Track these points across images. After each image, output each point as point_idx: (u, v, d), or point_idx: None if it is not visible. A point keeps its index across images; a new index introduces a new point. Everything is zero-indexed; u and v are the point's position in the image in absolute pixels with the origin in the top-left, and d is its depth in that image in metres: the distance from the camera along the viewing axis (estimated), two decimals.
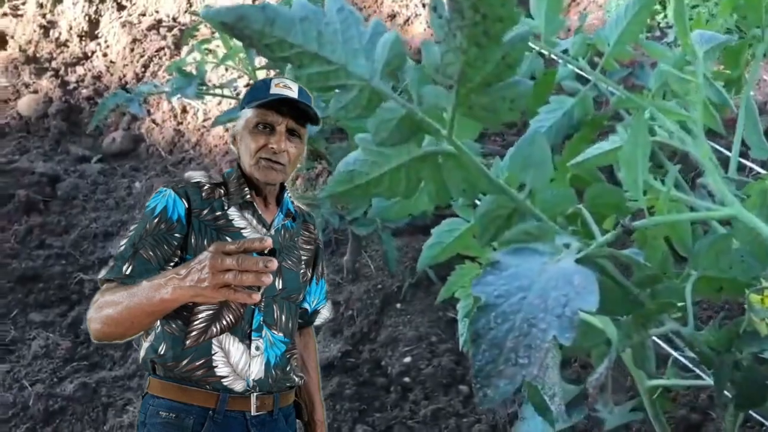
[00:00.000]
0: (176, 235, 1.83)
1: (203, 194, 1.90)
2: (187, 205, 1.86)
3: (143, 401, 1.88)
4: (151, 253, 1.79)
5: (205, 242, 1.84)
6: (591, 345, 1.51)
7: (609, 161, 1.76)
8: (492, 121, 1.49)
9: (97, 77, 6.79)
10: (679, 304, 1.62)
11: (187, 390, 1.82)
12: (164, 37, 6.95)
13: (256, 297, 1.46)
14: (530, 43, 2.63)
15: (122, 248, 1.81)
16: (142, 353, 1.90)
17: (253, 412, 1.87)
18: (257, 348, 1.88)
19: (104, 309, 1.66)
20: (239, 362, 1.86)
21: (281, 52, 1.39)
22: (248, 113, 1.93)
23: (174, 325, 1.83)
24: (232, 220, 1.91)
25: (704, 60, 1.67)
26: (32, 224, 5.28)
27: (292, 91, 1.94)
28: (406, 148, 1.51)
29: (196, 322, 1.84)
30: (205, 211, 1.88)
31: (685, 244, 1.85)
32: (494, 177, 1.60)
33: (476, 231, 1.72)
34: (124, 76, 6.79)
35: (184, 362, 1.82)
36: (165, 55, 6.84)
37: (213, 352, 1.83)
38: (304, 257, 2.07)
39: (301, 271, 2.04)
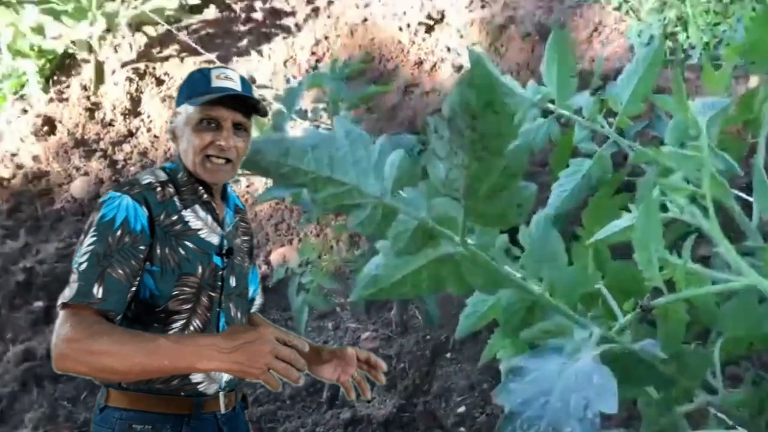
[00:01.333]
0: (141, 247, 1.74)
1: (158, 197, 1.82)
2: (148, 213, 1.77)
3: (102, 415, 1.80)
4: (120, 271, 1.69)
5: (167, 250, 1.77)
6: None
7: (625, 238, 1.79)
8: (502, 224, 1.53)
9: (143, 153, 6.96)
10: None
11: (161, 399, 1.79)
12: None
13: (295, 376, 1.51)
14: (546, 107, 2.67)
15: (84, 266, 1.67)
16: None
17: (223, 411, 1.89)
18: None
19: (100, 357, 1.54)
20: None
21: (296, 180, 1.45)
22: (189, 108, 1.84)
23: None
24: (188, 221, 1.87)
25: (708, 127, 1.70)
26: None
27: (235, 83, 1.85)
28: (424, 251, 1.56)
29: (170, 332, 1.81)
30: (162, 216, 1.81)
31: (709, 311, 1.86)
32: (511, 274, 1.65)
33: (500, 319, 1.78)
34: (168, 149, 6.95)
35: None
36: None
37: None
38: (245, 248, 2.05)
39: (245, 264, 2.02)
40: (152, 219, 1.76)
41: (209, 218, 1.89)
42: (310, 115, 3.86)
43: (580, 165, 2.42)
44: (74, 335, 1.55)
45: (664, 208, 1.69)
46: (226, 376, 1.90)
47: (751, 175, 1.97)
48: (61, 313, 1.64)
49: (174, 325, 1.81)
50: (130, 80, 7.36)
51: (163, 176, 1.86)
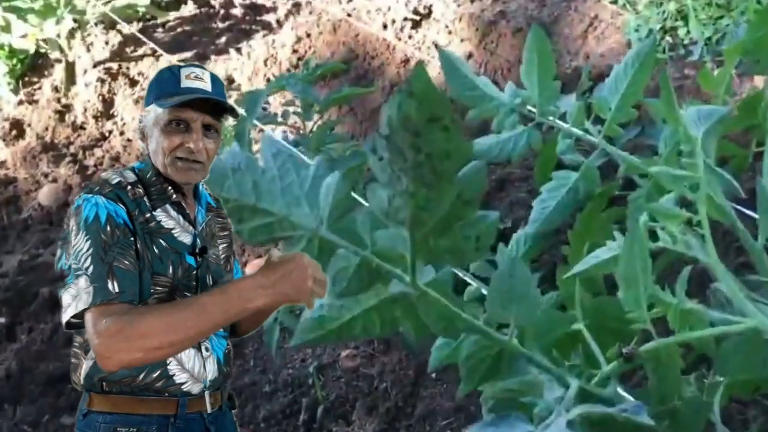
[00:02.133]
0: (131, 239, 1.75)
1: (129, 195, 1.82)
2: (126, 209, 1.77)
3: (86, 420, 1.82)
4: (126, 262, 1.70)
5: (144, 246, 1.78)
6: None
7: (609, 270, 1.59)
8: (457, 261, 1.33)
9: (115, 158, 6.79)
10: None
11: (145, 401, 1.80)
12: None
13: (203, 351, 1.64)
14: (526, 113, 2.47)
15: (91, 269, 1.68)
16: (83, 372, 1.82)
17: (209, 410, 1.89)
18: (207, 349, 1.89)
19: (150, 338, 1.56)
20: (194, 366, 1.86)
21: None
22: (158, 109, 1.83)
23: None
24: (161, 221, 1.85)
25: (705, 140, 1.49)
26: (57, 323, 5.21)
27: (205, 83, 1.85)
28: (372, 290, 1.37)
29: None
30: (136, 213, 1.80)
31: (708, 349, 1.66)
32: (472, 318, 1.44)
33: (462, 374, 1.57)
34: (142, 154, 6.76)
35: (141, 376, 1.80)
36: None
37: (167, 362, 1.82)
38: (222, 245, 2.03)
39: (221, 261, 2.00)
40: (130, 215, 1.78)
41: (180, 218, 1.89)
42: (279, 119, 3.67)
43: (565, 178, 2.22)
44: (117, 327, 1.56)
45: (654, 235, 1.48)
46: (210, 375, 1.90)
47: (756, 182, 1.78)
48: (89, 318, 1.65)
49: None
50: (102, 81, 7.19)
51: (131, 177, 1.86)
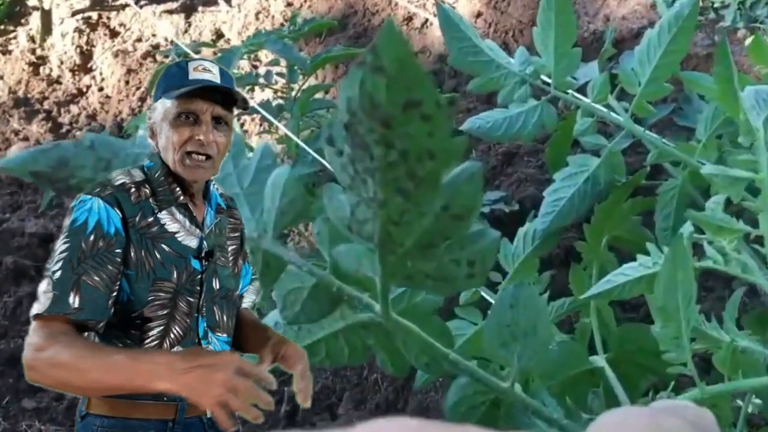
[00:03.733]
0: (117, 250, 1.75)
1: (132, 198, 1.80)
2: (121, 215, 1.76)
3: (83, 423, 1.82)
4: (96, 278, 1.70)
5: (142, 253, 1.79)
6: None
7: (637, 293, 1.31)
8: (444, 290, 1.06)
9: (92, 116, 6.51)
10: None
11: (143, 405, 1.80)
12: (161, 64, 6.63)
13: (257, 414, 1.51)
14: (539, 85, 2.17)
15: (58, 274, 1.68)
16: None
17: (209, 414, 1.85)
18: None
19: (59, 371, 1.60)
20: None
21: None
22: (167, 102, 1.83)
23: (124, 344, 1.79)
24: (165, 224, 1.84)
25: (766, 128, 1.21)
26: (22, 295, 4.96)
27: (214, 74, 1.85)
28: (339, 311, 1.12)
29: (148, 340, 1.81)
30: (138, 218, 1.80)
31: (763, 395, 1.40)
32: (463, 360, 1.17)
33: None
34: (120, 112, 6.50)
35: None
36: None
37: None
38: (232, 247, 1.96)
39: (230, 264, 1.96)
40: (126, 221, 1.76)
41: (186, 221, 1.87)
42: (261, 80, 3.39)
43: (584, 164, 1.93)
44: (41, 346, 1.60)
45: (695, 249, 1.22)
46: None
47: None
48: (34, 324, 1.67)
49: (151, 333, 1.82)
50: (80, 32, 6.89)
51: (139, 176, 1.80)
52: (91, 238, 1.71)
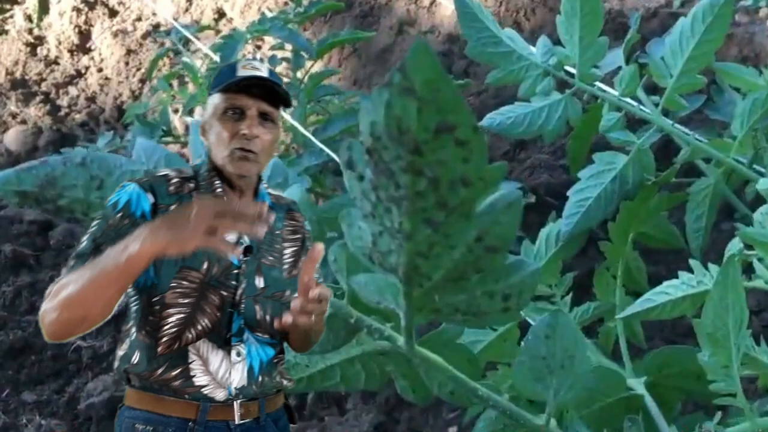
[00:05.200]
0: None
1: (171, 188, 1.87)
2: (153, 200, 1.82)
3: (119, 414, 1.87)
4: None
5: None
6: None
7: (679, 314, 1.23)
8: (475, 324, 0.98)
9: (91, 99, 6.42)
10: None
11: (165, 400, 1.82)
12: (162, 45, 6.53)
13: (238, 250, 1.55)
14: (563, 77, 2.07)
15: (82, 245, 1.77)
16: (116, 363, 1.90)
17: (237, 421, 1.84)
18: (238, 354, 1.86)
19: (61, 292, 1.65)
20: (219, 370, 1.83)
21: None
22: (216, 99, 1.86)
23: (145, 331, 1.80)
24: None
25: None
26: (21, 285, 4.90)
27: (261, 72, 1.86)
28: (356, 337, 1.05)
29: (166, 327, 1.81)
30: (173, 207, 1.83)
31: None
32: (494, 395, 1.09)
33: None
34: (120, 95, 6.41)
35: (159, 371, 1.81)
36: (165, 65, 6.43)
37: (190, 360, 1.82)
38: (290, 249, 1.97)
39: (285, 266, 1.94)
40: (156, 206, 1.81)
41: None
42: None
43: (611, 162, 1.84)
44: (47, 293, 1.66)
45: (748, 269, 1.14)
46: (236, 383, 1.85)
47: None
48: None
49: (170, 319, 1.81)
50: (79, 11, 6.78)
51: (188, 172, 1.90)
52: (118, 215, 1.78)
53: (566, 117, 1.91)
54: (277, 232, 1.97)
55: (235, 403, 1.85)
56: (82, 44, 6.83)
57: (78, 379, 4.40)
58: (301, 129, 3.00)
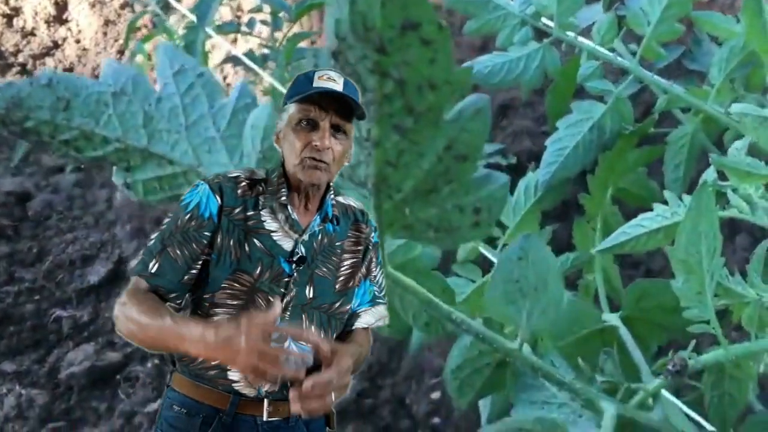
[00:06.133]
0: (206, 233, 1.85)
1: (239, 191, 1.89)
2: (220, 202, 1.86)
3: (165, 393, 1.95)
4: (178, 251, 1.84)
5: (231, 242, 1.87)
6: None
7: (654, 246, 1.23)
8: (448, 242, 0.97)
9: (69, 70, 6.32)
10: None
11: (200, 387, 1.87)
12: (139, 13, 6.47)
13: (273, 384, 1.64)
14: (541, 26, 2.06)
15: (152, 242, 1.87)
16: None
17: (265, 418, 1.85)
18: None
19: (130, 324, 1.77)
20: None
21: (91, 151, 0.89)
22: (291, 109, 1.84)
23: None
24: (264, 221, 1.89)
25: None
26: None
27: (337, 84, 1.78)
28: None
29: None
30: (237, 210, 1.88)
31: None
32: (467, 318, 1.08)
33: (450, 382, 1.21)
34: (98, 66, 6.33)
35: (198, 361, 1.86)
36: (142, 35, 6.37)
37: None
38: (347, 261, 1.96)
39: (341, 278, 1.94)
40: (222, 209, 1.85)
41: (285, 222, 1.89)
42: (243, 28, 3.27)
43: (589, 111, 1.84)
44: (124, 300, 1.79)
45: (722, 198, 1.14)
46: (267, 386, 1.87)
47: None
48: (130, 282, 1.85)
49: (215, 318, 1.86)
50: None
51: (260, 175, 1.89)
52: (187, 217, 1.85)
53: (544, 67, 1.91)
54: (338, 243, 1.97)
55: (265, 400, 1.86)
56: (59, 15, 6.73)
57: (58, 348, 4.38)
58: (280, 89, 2.99)
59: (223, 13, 5.09)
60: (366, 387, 3.91)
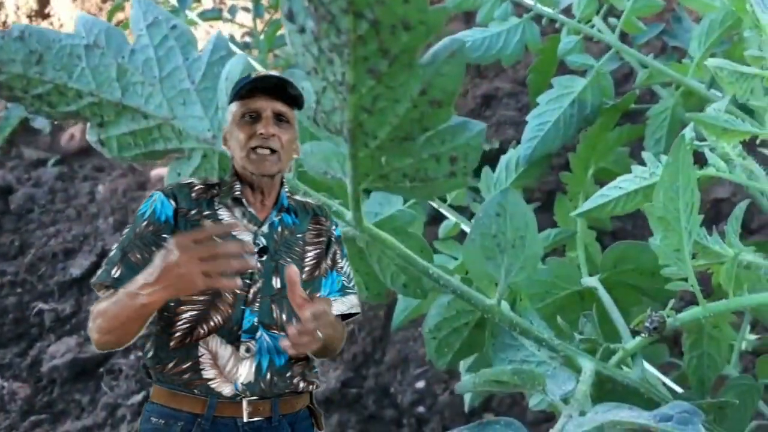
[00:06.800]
0: (163, 235, 1.88)
1: (193, 194, 1.93)
2: (174, 205, 1.91)
3: (144, 407, 1.96)
4: (138, 256, 1.87)
5: None
6: None
7: (633, 208, 1.23)
8: (423, 192, 0.97)
9: None
10: None
11: (176, 395, 1.89)
12: (122, 8, 6.45)
13: (238, 282, 1.67)
14: (523, 4, 2.06)
15: (113, 253, 1.92)
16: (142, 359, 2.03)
17: (246, 419, 1.89)
18: (247, 350, 1.90)
19: (97, 319, 1.81)
20: (226, 365, 1.90)
21: (64, 106, 0.88)
22: (233, 108, 1.85)
23: (159, 327, 1.89)
24: (222, 219, 1.92)
25: None
26: None
27: (274, 74, 1.84)
28: None
29: (179, 323, 1.88)
30: (193, 211, 1.92)
31: (763, 314, 1.34)
32: (444, 273, 1.08)
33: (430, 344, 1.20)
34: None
35: (170, 365, 1.90)
36: (124, 21, 6.34)
37: (200, 354, 1.90)
38: (311, 252, 1.97)
39: (306, 268, 1.96)
40: (177, 211, 1.91)
41: (242, 217, 1.94)
42: (225, 14, 3.25)
43: (569, 86, 1.84)
44: (92, 308, 1.86)
45: (699, 159, 1.14)
46: (243, 378, 1.91)
47: None
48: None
49: (183, 315, 1.90)
50: None
51: (215, 180, 1.98)
52: (144, 223, 1.88)
53: (524, 42, 1.90)
54: (299, 235, 1.99)
55: (243, 400, 1.89)
56: (41, 9, 6.70)
57: (41, 341, 4.37)
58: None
59: (205, 3, 5.09)
60: (350, 377, 3.91)
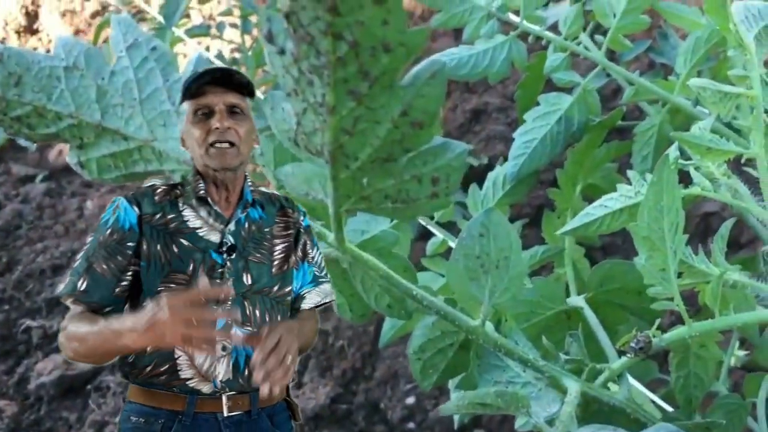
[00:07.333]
0: (129, 244, 1.91)
1: (156, 198, 1.93)
2: (138, 212, 1.91)
3: (123, 407, 1.97)
4: (104, 266, 1.88)
5: (158, 247, 1.92)
6: None
7: (618, 227, 1.23)
8: (406, 213, 0.96)
9: None
10: None
11: (155, 393, 1.91)
12: (110, 25, 6.45)
13: (218, 350, 1.76)
14: (507, 19, 2.06)
15: (77, 263, 1.91)
16: (117, 359, 2.00)
17: (226, 413, 1.92)
18: (224, 348, 1.92)
19: (72, 342, 1.80)
20: (204, 364, 1.91)
21: (44, 128, 0.87)
22: (185, 106, 1.84)
23: None
24: (187, 220, 1.94)
25: (758, 49, 1.13)
26: None
27: (220, 69, 1.87)
28: None
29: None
30: (158, 215, 1.93)
31: (749, 333, 1.33)
32: (427, 294, 1.07)
33: (415, 365, 1.20)
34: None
35: (148, 369, 1.91)
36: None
37: (176, 356, 1.92)
38: (279, 246, 2.00)
39: (275, 262, 1.99)
40: (141, 218, 1.92)
41: (210, 216, 1.96)
42: (213, 31, 3.25)
43: (556, 103, 1.84)
44: (64, 325, 1.84)
45: (684, 177, 1.14)
46: (221, 376, 1.94)
47: None
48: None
49: None
50: None
51: (176, 179, 1.97)
52: (108, 232, 1.88)
53: (510, 59, 1.91)
54: (267, 229, 2.00)
55: (223, 396, 1.91)
56: (30, 25, 6.71)
57: (28, 359, 4.38)
58: None
59: (193, 20, 5.09)
60: (340, 393, 3.91)
